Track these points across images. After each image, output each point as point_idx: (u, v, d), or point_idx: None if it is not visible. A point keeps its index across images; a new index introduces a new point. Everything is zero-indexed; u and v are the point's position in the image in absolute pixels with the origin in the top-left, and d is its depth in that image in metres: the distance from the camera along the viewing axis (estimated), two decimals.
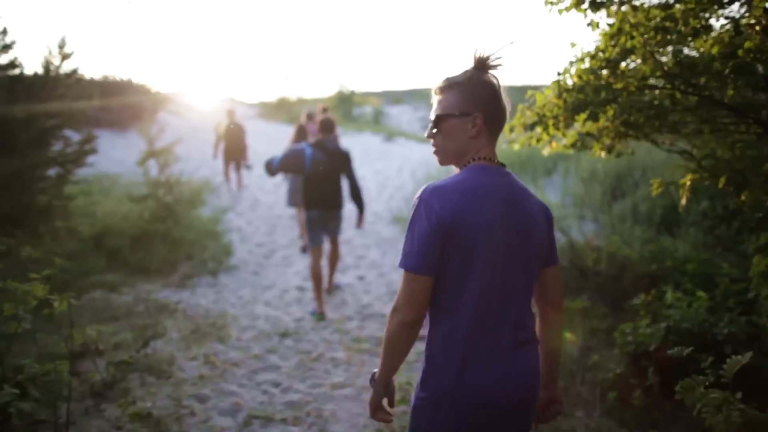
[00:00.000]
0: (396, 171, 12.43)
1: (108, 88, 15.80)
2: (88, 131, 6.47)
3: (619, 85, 2.41)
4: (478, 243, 1.41)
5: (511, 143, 2.96)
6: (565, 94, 2.54)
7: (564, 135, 2.91)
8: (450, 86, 1.50)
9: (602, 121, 2.62)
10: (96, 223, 6.41)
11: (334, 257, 5.49)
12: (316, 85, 44.96)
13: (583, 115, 2.60)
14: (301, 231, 6.97)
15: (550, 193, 9.03)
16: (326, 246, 5.36)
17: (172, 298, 5.18)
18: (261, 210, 9.05)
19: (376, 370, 1.56)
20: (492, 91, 1.49)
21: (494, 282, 1.44)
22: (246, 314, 4.96)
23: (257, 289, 5.69)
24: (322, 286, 5.10)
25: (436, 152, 1.57)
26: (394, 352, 1.49)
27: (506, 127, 2.84)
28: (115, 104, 15.37)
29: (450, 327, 1.45)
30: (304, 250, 6.84)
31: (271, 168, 4.93)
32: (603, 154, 2.74)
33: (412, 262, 1.40)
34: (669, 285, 3.86)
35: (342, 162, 5.00)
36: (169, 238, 6.38)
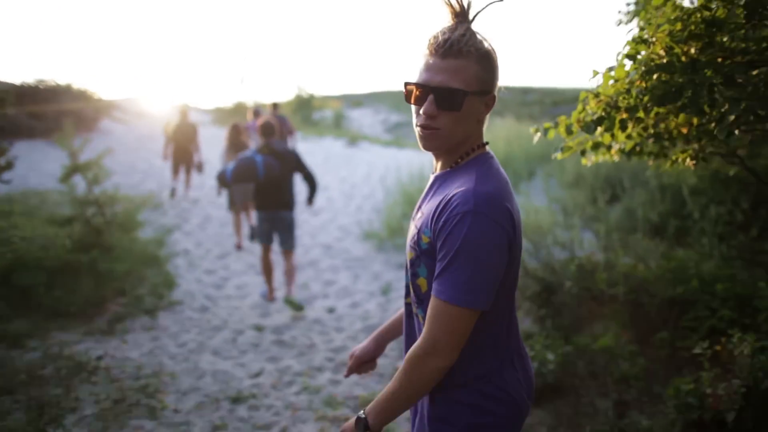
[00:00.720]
0: (363, 178, 11.47)
1: (42, 94, 14.36)
2: None
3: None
4: (520, 249, 1.25)
5: (565, 151, 2.03)
6: (644, 79, 1.64)
7: (621, 138, 2.03)
8: (468, 52, 1.16)
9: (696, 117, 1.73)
10: (6, 253, 5.23)
11: (290, 270, 5.21)
12: (274, 89, 43.53)
13: (662, 109, 1.73)
14: (234, 229, 7.01)
15: (534, 198, 8.26)
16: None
17: (94, 351, 4.08)
18: (212, 227, 7.94)
19: (362, 412, 1.25)
20: (496, 63, 1.23)
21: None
22: (188, 370, 3.91)
23: (204, 331, 4.63)
24: (273, 276, 5.30)
25: (432, 134, 1.22)
26: (415, 399, 1.23)
27: (562, 129, 1.92)
28: (51, 111, 13.94)
29: (499, 333, 1.27)
30: (238, 247, 7.04)
31: (224, 180, 4.89)
32: (690, 164, 1.85)
33: (480, 298, 1.12)
34: (734, 328, 3.02)
35: (292, 161, 5.00)
36: (97, 269, 5.25)
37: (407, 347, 1.34)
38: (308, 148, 15.12)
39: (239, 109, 25.09)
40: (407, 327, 1.36)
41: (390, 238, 7.07)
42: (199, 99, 37.81)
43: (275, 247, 5.91)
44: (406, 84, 1.24)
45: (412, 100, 1.24)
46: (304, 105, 23.95)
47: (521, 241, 1.22)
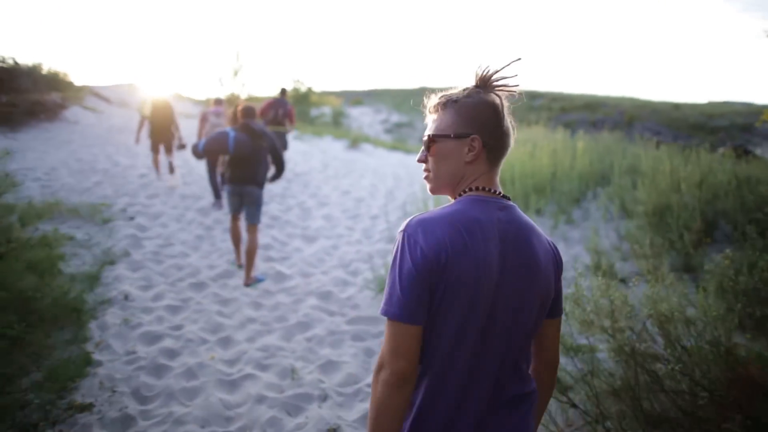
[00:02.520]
0: (369, 191, 9.44)
1: None
2: None
3: None
4: (469, 286, 1.19)
5: None
6: None
7: None
8: (446, 104, 1.31)
9: None
10: None
11: (251, 249, 5.26)
12: (270, 82, 41.47)
13: None
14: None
15: (586, 236, 6.29)
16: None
17: None
18: (171, 256, 5.90)
19: None
20: (493, 112, 1.29)
21: (488, 333, 1.23)
22: None
23: None
24: (242, 246, 5.64)
25: (427, 178, 1.36)
26: (383, 420, 1.17)
27: None
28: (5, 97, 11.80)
29: (435, 381, 1.23)
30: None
31: (197, 151, 5.21)
32: None
33: (396, 309, 1.17)
34: None
35: (266, 141, 5.19)
36: None
37: None
38: (304, 148, 13.07)
39: (233, 101, 23.06)
40: None
41: None
42: (191, 89, 35.49)
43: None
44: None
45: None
46: (302, 100, 21.87)
47: (474, 272, 1.18)
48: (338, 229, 7.20)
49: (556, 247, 1.37)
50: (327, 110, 24.74)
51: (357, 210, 8.18)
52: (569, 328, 3.56)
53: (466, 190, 1.29)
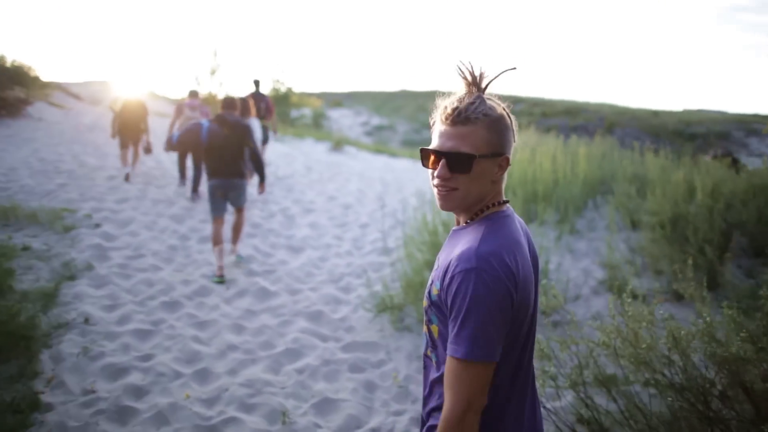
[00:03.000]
0: (356, 197, 8.89)
1: None
2: None
3: None
4: (529, 306, 1.23)
5: None
6: None
7: None
8: (476, 119, 1.23)
9: None
10: None
11: (238, 225, 5.51)
12: (247, 82, 40.25)
13: None
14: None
15: (595, 244, 5.85)
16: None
17: None
18: (142, 268, 5.26)
19: None
20: (511, 127, 1.29)
21: (530, 346, 1.29)
22: None
23: None
24: (224, 253, 5.37)
25: (447, 195, 1.26)
26: None
27: None
28: None
29: (516, 405, 1.27)
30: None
31: (171, 144, 5.22)
32: None
33: (491, 351, 1.14)
34: None
35: (242, 133, 5.16)
36: None
37: (424, 401, 1.34)
38: (286, 150, 12.47)
39: (209, 101, 22.25)
40: (425, 379, 1.36)
41: (414, 306, 4.53)
42: (166, 88, 34.50)
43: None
44: (422, 150, 1.30)
45: (429, 165, 1.29)
46: (281, 101, 21.20)
47: (531, 291, 1.23)
48: (326, 239, 6.63)
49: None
50: (307, 112, 24.12)
51: (345, 217, 7.62)
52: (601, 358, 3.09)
53: (488, 206, 1.28)
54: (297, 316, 4.51)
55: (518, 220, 1.34)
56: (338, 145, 14.04)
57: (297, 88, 22.99)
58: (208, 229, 6.56)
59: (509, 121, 1.28)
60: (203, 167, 6.59)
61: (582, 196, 6.99)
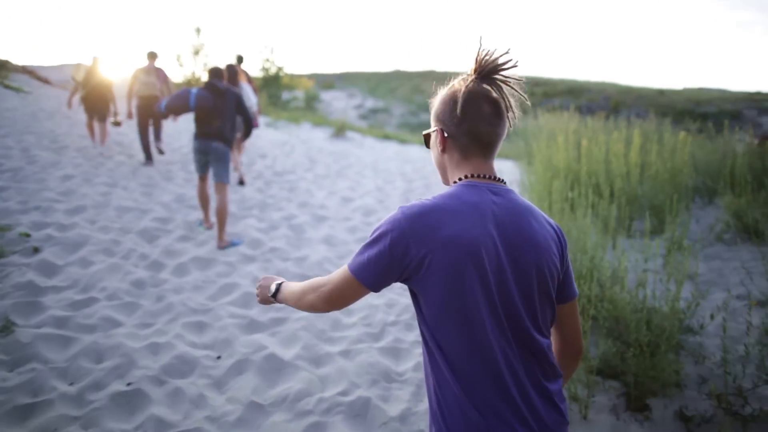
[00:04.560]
0: (376, 197, 7.11)
1: None
2: None
3: None
4: (467, 271, 1.13)
5: None
6: None
7: None
8: (433, 98, 1.34)
9: None
10: None
11: (221, 210, 5.06)
12: (232, 60, 37.80)
13: None
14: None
15: (723, 270, 4.20)
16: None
17: None
18: (89, 327, 3.50)
19: (278, 283, 1.50)
20: (450, 101, 1.26)
21: (496, 321, 1.16)
22: None
23: None
24: (210, 207, 5.42)
25: None
26: (296, 306, 1.41)
27: None
28: None
29: (466, 381, 1.15)
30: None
31: (160, 111, 5.16)
32: None
33: (362, 272, 1.20)
34: None
35: (235, 100, 5.14)
36: None
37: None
38: (282, 138, 10.63)
39: (193, 82, 20.24)
40: None
41: None
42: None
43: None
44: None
45: None
46: (272, 82, 19.26)
47: (466, 259, 1.13)
48: (343, 254, 4.90)
49: (558, 227, 1.31)
50: (299, 94, 22.20)
51: (368, 228, 5.86)
52: None
53: (456, 180, 1.28)
54: (330, 413, 2.80)
55: (492, 194, 1.22)
56: (340, 131, 12.22)
57: (288, 69, 21.02)
58: (192, 252, 4.81)
59: (450, 97, 1.26)
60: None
61: (666, 198, 5.31)
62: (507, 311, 1.17)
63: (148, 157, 7.87)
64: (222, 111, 5.02)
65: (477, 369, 1.15)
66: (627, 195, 5.23)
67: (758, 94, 30.75)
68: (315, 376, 3.11)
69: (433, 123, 1.31)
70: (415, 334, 3.66)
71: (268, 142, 10.14)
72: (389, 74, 37.43)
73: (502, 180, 1.28)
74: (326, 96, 29.15)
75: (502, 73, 1.24)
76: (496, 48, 1.24)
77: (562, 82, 34.21)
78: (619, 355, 2.96)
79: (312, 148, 10.11)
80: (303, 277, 4.47)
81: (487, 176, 1.26)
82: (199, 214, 5.83)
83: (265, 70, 19.14)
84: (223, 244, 5.02)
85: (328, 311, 1.31)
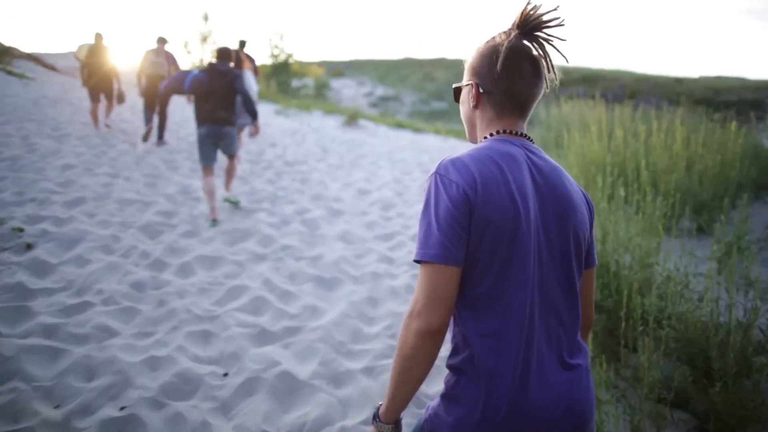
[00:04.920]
0: (394, 189, 6.68)
1: None
2: None
3: None
4: (510, 220, 1.07)
5: None
6: None
7: None
8: (469, 52, 1.28)
9: None
10: None
11: (231, 169, 5.45)
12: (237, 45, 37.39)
13: None
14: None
15: None
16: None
17: None
18: (83, 337, 3.13)
19: (380, 403, 1.17)
20: (489, 56, 1.19)
21: (537, 276, 1.11)
22: None
23: None
24: (216, 198, 5.24)
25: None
26: (411, 373, 1.07)
27: None
28: None
29: (494, 327, 1.08)
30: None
31: (161, 95, 5.37)
32: None
33: (435, 251, 1.04)
34: None
35: (231, 81, 5.04)
36: None
37: None
38: (292, 126, 10.22)
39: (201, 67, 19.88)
40: None
41: None
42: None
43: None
44: None
45: None
46: (281, 69, 18.80)
47: (511, 208, 1.07)
48: (370, 262, 4.48)
49: (585, 192, 1.30)
50: (309, 81, 21.72)
51: (388, 223, 5.45)
52: None
53: (488, 135, 1.22)
54: None
55: (526, 150, 1.18)
56: (352, 119, 11.77)
57: (297, 56, 20.52)
58: (197, 249, 4.42)
59: (491, 52, 1.18)
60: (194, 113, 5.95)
61: (716, 193, 4.84)
62: (546, 269, 1.12)
63: (146, 139, 7.84)
64: (219, 93, 4.99)
65: (507, 325, 1.08)
66: (673, 191, 4.77)
67: None
68: (335, 398, 2.72)
69: (467, 76, 1.25)
70: (447, 348, 3.26)
71: (279, 131, 9.72)
72: (399, 62, 36.82)
73: (532, 140, 1.24)
74: (336, 84, 28.68)
75: (546, 30, 1.17)
76: (542, 3, 1.16)
77: (576, 70, 33.41)
78: (694, 383, 2.54)
79: (324, 137, 9.68)
80: (318, 279, 4.07)
81: (520, 133, 1.22)
82: (205, 208, 5.45)
83: (275, 56, 18.67)
84: (229, 189, 5.59)
85: (436, 326, 1.04)
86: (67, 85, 12.36)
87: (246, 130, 8.67)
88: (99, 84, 7.93)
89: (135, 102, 11.42)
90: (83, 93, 10.93)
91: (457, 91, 1.31)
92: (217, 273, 4.07)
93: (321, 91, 21.05)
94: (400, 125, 12.45)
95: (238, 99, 5.49)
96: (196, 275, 4.01)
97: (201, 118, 5.02)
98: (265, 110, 12.72)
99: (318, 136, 9.66)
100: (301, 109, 13.14)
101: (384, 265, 4.38)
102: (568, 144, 5.98)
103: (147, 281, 3.81)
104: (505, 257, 1.07)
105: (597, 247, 3.69)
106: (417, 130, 12.14)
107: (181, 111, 11.36)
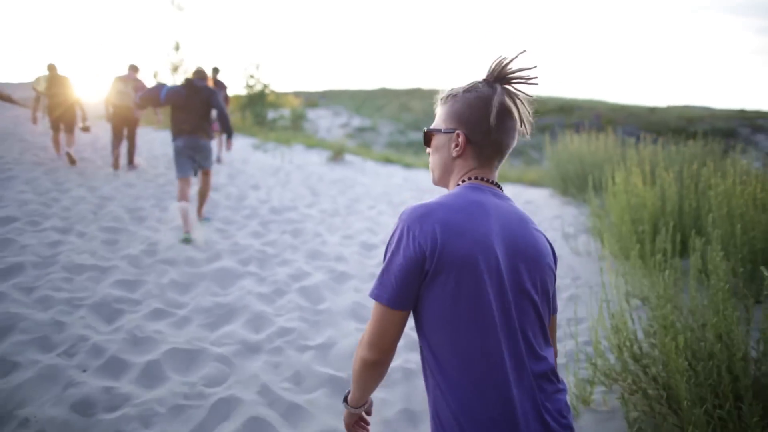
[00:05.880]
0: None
1: None
2: None
3: None
4: (472, 266, 1.10)
5: None
6: None
7: None
8: (445, 98, 1.29)
9: None
10: None
11: (204, 189, 5.59)
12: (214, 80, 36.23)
13: None
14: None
15: None
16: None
17: None
18: None
19: (349, 390, 1.35)
20: (482, 107, 1.22)
21: (504, 322, 1.12)
22: None
23: None
24: (190, 220, 5.18)
25: (431, 168, 1.37)
26: (365, 383, 1.25)
27: None
28: None
29: (458, 374, 1.11)
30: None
31: (136, 104, 5.98)
32: None
33: (386, 294, 1.13)
34: None
35: (207, 95, 5.21)
36: None
37: None
38: (274, 164, 9.22)
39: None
40: None
41: None
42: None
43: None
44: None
45: None
46: (257, 100, 17.84)
47: (473, 255, 1.10)
48: (397, 352, 3.48)
49: (548, 240, 1.28)
50: (285, 112, 20.79)
51: None
52: None
53: (461, 181, 1.25)
54: None
55: (496, 198, 1.21)
56: (338, 154, 10.82)
57: (273, 86, 19.60)
58: (169, 340, 3.34)
59: (483, 103, 1.21)
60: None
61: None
62: (513, 315, 1.13)
63: (116, 165, 7.93)
64: (196, 107, 5.12)
65: (481, 372, 1.10)
66: (749, 245, 3.93)
67: (756, 112, 30.50)
68: None
69: (448, 123, 1.25)
70: None
71: (259, 169, 8.70)
72: (375, 92, 36.36)
73: (500, 186, 1.27)
74: (311, 114, 27.88)
75: (516, 84, 1.22)
76: (511, 56, 1.22)
77: (551, 99, 33.43)
78: None
79: (310, 176, 8.68)
80: (333, 381, 3.03)
81: (490, 180, 1.25)
82: (174, 274, 4.37)
83: (250, 87, 17.71)
84: (202, 217, 5.75)
85: (378, 359, 1.16)
86: (20, 118, 11.13)
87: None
88: (62, 116, 7.75)
89: (96, 137, 10.27)
90: (36, 127, 9.76)
91: (429, 136, 1.30)
92: (195, 377, 3.00)
93: (298, 122, 20.13)
94: (388, 160, 11.55)
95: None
96: (166, 382, 2.92)
97: (177, 131, 5.12)
98: (242, 144, 11.70)
99: (303, 175, 8.66)
100: (280, 143, 12.15)
101: (415, 356, 3.36)
102: (607, 188, 5.13)
103: (97, 398, 2.71)
104: (472, 300, 1.09)
105: (691, 334, 2.77)
106: (407, 166, 11.25)
107: (149, 147, 10.25)
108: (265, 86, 17.98)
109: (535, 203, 7.69)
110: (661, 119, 29.15)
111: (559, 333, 3.76)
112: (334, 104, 32.93)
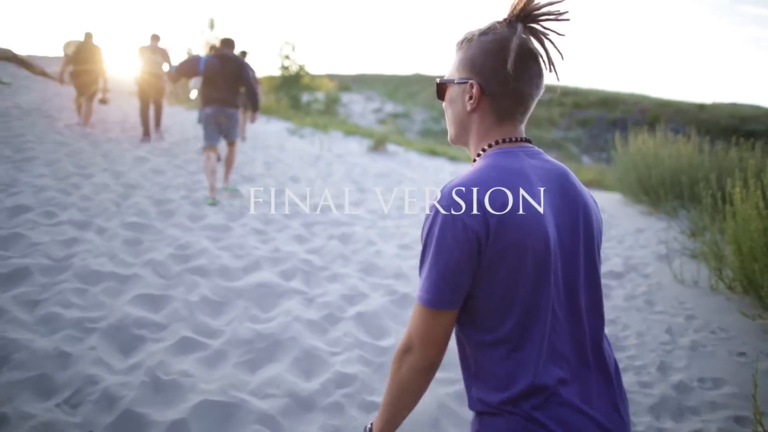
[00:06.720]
0: None
1: None
2: None
3: None
4: (528, 248, 0.96)
5: None
6: None
7: None
8: (460, 43, 1.10)
9: None
10: None
11: (230, 159, 5.78)
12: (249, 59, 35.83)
13: None
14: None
15: None
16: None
17: None
18: None
19: (370, 423, 1.13)
20: (497, 52, 1.02)
21: (559, 303, 1.00)
22: None
23: None
24: (216, 177, 5.58)
25: (447, 125, 1.18)
26: (402, 403, 1.06)
27: None
28: None
29: (513, 353, 0.98)
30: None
31: (171, 75, 6.04)
32: None
33: (436, 297, 0.97)
34: None
35: (238, 67, 5.38)
36: None
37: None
38: (312, 152, 8.45)
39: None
40: None
41: None
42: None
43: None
44: None
45: None
46: (291, 82, 17.08)
47: (533, 237, 0.96)
48: None
49: (593, 197, 1.15)
50: (319, 96, 20.02)
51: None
52: None
53: (485, 147, 1.08)
54: None
55: (530, 158, 1.05)
56: (380, 144, 10.00)
57: (308, 68, 18.80)
58: (200, 383, 2.60)
59: (499, 48, 1.02)
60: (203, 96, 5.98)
61: None
62: (571, 287, 1.02)
63: (146, 133, 7.93)
64: (227, 77, 5.29)
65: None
66: None
67: None
68: None
69: (462, 72, 1.07)
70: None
71: (298, 158, 7.97)
72: (409, 78, 35.31)
73: (530, 140, 1.12)
74: (344, 98, 27.11)
75: (544, 23, 1.04)
76: None
77: (592, 92, 31.94)
78: None
79: (353, 168, 7.90)
80: None
81: (521, 139, 1.09)
82: (205, 289, 3.64)
83: (285, 68, 16.95)
84: (229, 183, 5.85)
85: (434, 360, 1.01)
86: (48, 93, 10.57)
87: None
88: (84, 83, 7.86)
89: (126, 115, 9.65)
90: (64, 103, 9.18)
91: (442, 87, 1.13)
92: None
93: (332, 106, 19.34)
94: (432, 152, 10.67)
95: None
96: None
97: (208, 100, 5.32)
98: (277, 128, 10.97)
99: (346, 167, 7.88)
100: (317, 128, 11.38)
101: None
102: (709, 200, 4.24)
103: None
104: (528, 284, 0.97)
105: None
106: (453, 159, 10.38)
107: (180, 128, 9.60)
108: (301, 68, 17.19)
109: (608, 211, 6.79)
110: (712, 117, 27.60)
111: (684, 399, 2.91)
112: (366, 89, 32.03)
